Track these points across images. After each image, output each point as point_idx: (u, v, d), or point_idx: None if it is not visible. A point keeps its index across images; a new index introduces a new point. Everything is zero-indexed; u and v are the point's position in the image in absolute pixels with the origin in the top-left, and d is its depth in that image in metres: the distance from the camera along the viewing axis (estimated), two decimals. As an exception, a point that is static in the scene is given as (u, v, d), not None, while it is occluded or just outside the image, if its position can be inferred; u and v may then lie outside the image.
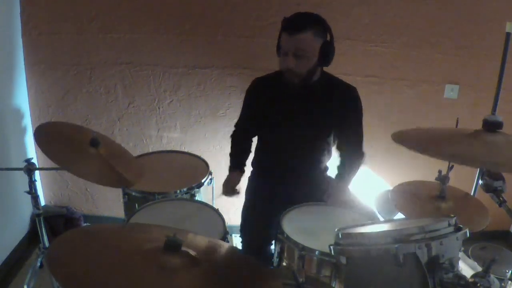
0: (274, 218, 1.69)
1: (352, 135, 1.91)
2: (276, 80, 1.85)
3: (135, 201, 1.91)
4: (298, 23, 1.65)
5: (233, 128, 2.09)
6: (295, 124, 1.86)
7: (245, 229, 2.01)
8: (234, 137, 2.08)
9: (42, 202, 2.75)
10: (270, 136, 1.97)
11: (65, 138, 1.70)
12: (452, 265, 1.03)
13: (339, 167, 1.98)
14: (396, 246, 1.00)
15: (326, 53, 1.70)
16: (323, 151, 1.97)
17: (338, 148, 1.99)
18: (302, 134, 1.88)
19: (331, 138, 1.95)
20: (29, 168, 1.62)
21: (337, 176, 1.96)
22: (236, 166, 2.00)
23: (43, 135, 1.63)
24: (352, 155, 1.94)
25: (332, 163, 2.12)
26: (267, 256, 1.85)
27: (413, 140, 1.37)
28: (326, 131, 1.92)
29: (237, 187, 1.92)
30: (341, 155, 1.99)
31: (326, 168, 2.07)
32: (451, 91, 2.50)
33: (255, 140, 2.07)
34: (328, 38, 1.70)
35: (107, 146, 1.72)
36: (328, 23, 1.71)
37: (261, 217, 1.92)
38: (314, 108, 1.84)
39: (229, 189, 1.91)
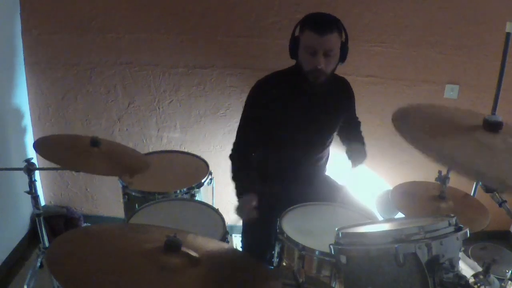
0: (275, 218, 1.68)
1: (353, 120, 2.07)
2: (282, 81, 1.84)
3: (135, 201, 1.91)
4: (326, 23, 1.68)
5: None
6: (305, 124, 1.86)
7: (247, 231, 2.00)
8: (238, 159, 1.88)
9: (42, 202, 2.75)
10: (277, 137, 1.93)
11: (65, 145, 1.73)
12: (452, 265, 1.03)
13: (350, 147, 1.95)
14: (396, 246, 1.00)
15: (345, 51, 1.75)
16: (325, 150, 1.99)
17: (340, 133, 2.03)
18: (310, 134, 1.88)
19: (333, 136, 1.97)
20: (29, 168, 1.63)
21: (354, 151, 1.92)
22: (249, 189, 1.74)
23: (43, 146, 1.66)
24: (355, 130, 2.06)
25: (330, 163, 2.12)
26: (267, 256, 1.85)
27: (412, 131, 1.34)
28: (333, 128, 1.96)
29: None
30: (346, 137, 2.03)
31: (326, 169, 2.07)
32: (451, 91, 2.50)
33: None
34: (344, 36, 1.74)
35: (107, 145, 1.73)
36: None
37: (262, 218, 1.92)
38: (322, 106, 1.85)
39: (249, 210, 1.66)
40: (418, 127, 1.34)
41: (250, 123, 1.89)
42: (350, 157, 1.92)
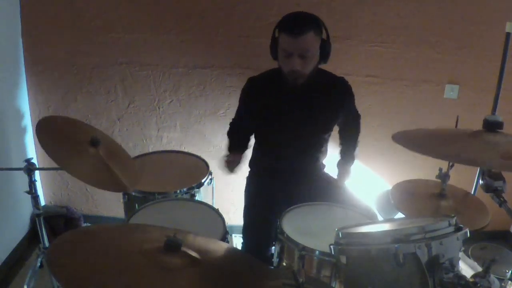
0: (275, 218, 1.69)
1: (352, 115, 2.06)
2: (274, 79, 1.85)
3: (135, 201, 1.91)
4: (300, 25, 1.66)
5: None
6: (297, 123, 1.86)
7: (247, 230, 2.00)
8: (232, 133, 2.07)
9: (42, 202, 2.75)
10: (270, 136, 1.96)
11: (66, 135, 1.70)
12: (452, 265, 1.03)
13: (342, 147, 2.08)
14: (396, 246, 1.00)
15: (326, 50, 1.74)
16: (322, 148, 1.99)
17: (340, 130, 2.07)
18: (303, 133, 1.88)
19: (329, 134, 1.98)
20: (29, 168, 1.62)
21: (341, 157, 2.08)
22: (237, 149, 1.96)
23: (44, 130, 1.63)
24: (353, 126, 2.08)
25: (329, 161, 2.12)
26: (267, 256, 1.85)
27: (414, 141, 1.37)
28: (326, 127, 1.96)
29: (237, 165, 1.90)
30: (343, 133, 2.08)
31: (324, 166, 2.08)
32: (451, 91, 2.50)
33: (252, 139, 2.06)
34: (325, 35, 1.73)
35: (106, 146, 1.72)
36: (322, 21, 1.74)
37: (262, 217, 1.92)
38: (314, 105, 1.85)
39: (232, 164, 1.88)
40: (420, 139, 1.37)
41: (244, 116, 2.00)
42: (340, 159, 2.07)
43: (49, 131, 1.65)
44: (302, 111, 1.85)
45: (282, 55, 1.72)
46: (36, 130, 1.61)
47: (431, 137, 1.42)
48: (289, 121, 1.86)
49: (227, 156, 1.92)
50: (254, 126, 1.99)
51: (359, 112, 2.09)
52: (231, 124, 2.11)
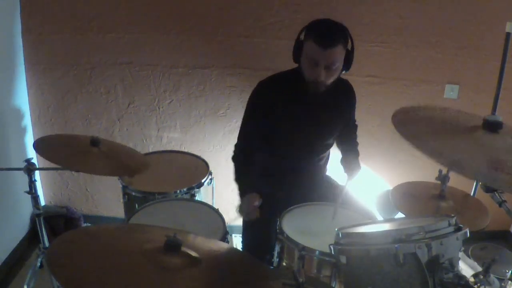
0: (275, 217, 1.68)
1: (351, 120, 2.05)
2: (286, 83, 1.82)
3: (135, 201, 1.91)
4: (331, 37, 1.62)
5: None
6: (309, 126, 1.85)
7: (247, 231, 1.99)
8: (240, 159, 1.87)
9: (42, 202, 2.75)
10: (279, 141, 1.93)
11: (65, 145, 1.74)
12: (452, 265, 1.03)
13: (345, 157, 2.02)
14: (396, 246, 1.00)
15: (349, 61, 1.71)
16: (327, 150, 1.99)
17: (339, 136, 2.02)
18: (314, 135, 1.87)
19: (335, 137, 1.97)
20: (29, 168, 1.63)
21: (346, 154, 2.02)
22: (252, 189, 1.71)
23: (43, 146, 1.67)
24: (351, 135, 2.06)
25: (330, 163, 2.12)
26: (267, 256, 1.84)
27: (413, 133, 1.35)
28: (336, 129, 1.95)
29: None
30: (341, 141, 2.04)
31: (326, 169, 2.08)
32: (451, 91, 2.50)
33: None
34: (350, 46, 1.70)
35: (107, 144, 1.74)
36: (348, 31, 1.69)
37: (262, 218, 1.91)
38: (326, 108, 1.84)
39: (251, 209, 1.63)
40: (417, 127, 1.35)
41: (252, 124, 1.87)
42: (345, 169, 1.98)
43: (48, 146, 1.70)
44: (312, 114, 1.84)
45: (307, 62, 1.68)
46: (35, 148, 1.64)
47: (430, 126, 1.40)
48: (299, 124, 1.84)
49: (245, 202, 1.68)
50: (264, 136, 1.88)
51: (356, 121, 2.09)
52: (238, 147, 1.90)
